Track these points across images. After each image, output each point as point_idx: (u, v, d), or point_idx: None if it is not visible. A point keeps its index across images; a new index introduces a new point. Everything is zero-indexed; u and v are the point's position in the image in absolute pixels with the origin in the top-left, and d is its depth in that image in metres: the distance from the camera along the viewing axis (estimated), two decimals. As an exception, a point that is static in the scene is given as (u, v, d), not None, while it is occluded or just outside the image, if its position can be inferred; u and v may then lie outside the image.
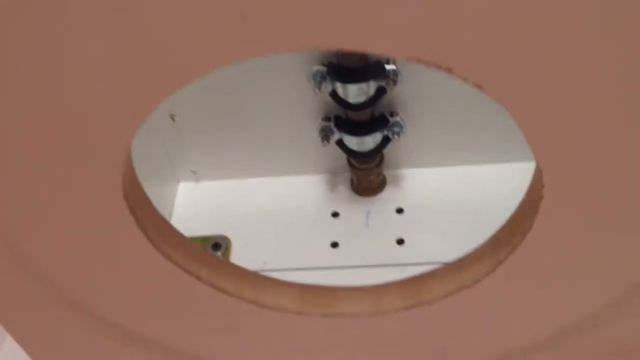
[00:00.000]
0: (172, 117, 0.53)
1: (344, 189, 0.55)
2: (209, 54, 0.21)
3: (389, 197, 0.53)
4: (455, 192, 0.52)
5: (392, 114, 0.49)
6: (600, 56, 0.20)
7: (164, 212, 0.55)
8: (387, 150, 0.51)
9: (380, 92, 0.46)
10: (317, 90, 0.46)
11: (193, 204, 0.57)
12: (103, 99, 0.23)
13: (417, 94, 0.49)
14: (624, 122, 0.22)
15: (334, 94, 0.46)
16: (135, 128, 0.25)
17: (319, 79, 0.46)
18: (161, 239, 0.30)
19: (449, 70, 0.21)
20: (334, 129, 0.49)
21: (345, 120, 0.49)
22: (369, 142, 0.49)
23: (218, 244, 0.53)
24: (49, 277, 0.31)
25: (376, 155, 0.51)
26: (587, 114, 0.22)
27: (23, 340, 0.35)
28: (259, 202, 0.55)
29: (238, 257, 0.52)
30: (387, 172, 0.54)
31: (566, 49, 0.20)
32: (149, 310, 0.33)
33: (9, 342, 0.43)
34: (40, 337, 0.36)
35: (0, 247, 0.29)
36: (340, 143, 0.50)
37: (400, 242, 0.51)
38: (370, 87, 0.45)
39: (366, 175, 0.53)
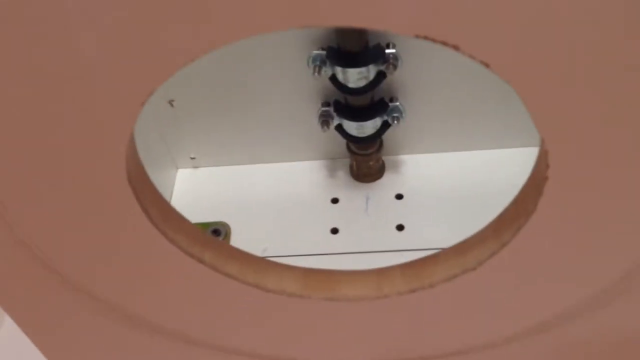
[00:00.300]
0: (170, 102, 0.52)
1: (343, 175, 0.55)
2: (206, 33, 0.21)
3: (388, 183, 0.53)
4: (454, 178, 0.52)
5: (391, 99, 0.49)
6: (610, 33, 0.20)
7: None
8: (387, 136, 0.51)
9: (380, 76, 0.46)
10: (316, 74, 0.46)
11: (192, 191, 0.56)
12: (103, 83, 0.23)
13: (417, 79, 0.49)
14: (633, 102, 0.22)
15: (333, 79, 0.46)
16: (137, 111, 0.24)
17: (318, 64, 0.45)
18: (164, 223, 0.30)
19: (455, 47, 0.21)
20: (334, 114, 0.49)
21: (344, 105, 0.49)
22: (369, 127, 0.49)
23: (217, 231, 0.53)
24: (51, 260, 0.31)
25: (376, 140, 0.50)
26: (595, 93, 0.22)
27: (23, 323, 0.35)
28: (258, 189, 0.55)
29: (238, 243, 0.51)
30: (386, 158, 0.54)
31: (576, 26, 0.20)
32: (152, 293, 0.33)
33: (8, 323, 0.43)
34: (40, 320, 0.35)
35: (2, 229, 0.29)
36: (339, 128, 0.50)
37: (400, 228, 0.50)
38: (370, 72, 0.45)
39: (366, 161, 0.53)
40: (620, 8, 0.19)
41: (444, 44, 0.21)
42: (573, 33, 0.20)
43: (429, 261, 0.32)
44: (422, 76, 0.48)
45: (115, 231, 0.30)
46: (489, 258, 0.29)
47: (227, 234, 0.53)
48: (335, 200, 0.53)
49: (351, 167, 0.54)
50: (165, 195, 0.56)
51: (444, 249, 0.32)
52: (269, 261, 0.34)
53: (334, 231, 0.51)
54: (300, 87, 0.50)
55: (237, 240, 0.52)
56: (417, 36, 0.20)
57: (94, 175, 0.27)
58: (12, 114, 0.24)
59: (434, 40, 0.20)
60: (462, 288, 0.31)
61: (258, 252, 0.50)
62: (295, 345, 0.35)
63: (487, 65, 0.21)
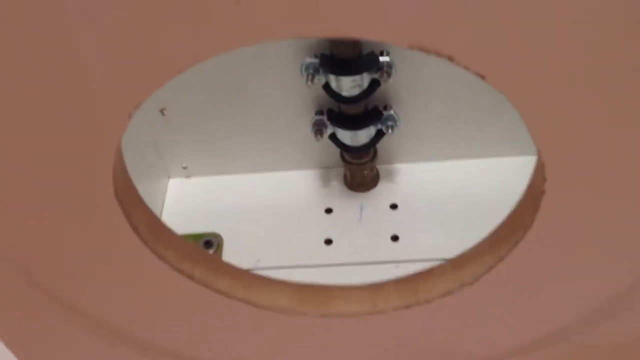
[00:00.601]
0: (162, 111, 0.52)
1: (337, 184, 0.54)
2: (201, 41, 0.20)
3: (383, 193, 0.53)
4: (450, 186, 0.51)
5: (385, 108, 0.48)
6: (609, 43, 0.19)
7: (154, 209, 0.54)
8: (381, 145, 0.50)
9: (374, 84, 0.45)
10: (309, 83, 0.45)
11: (184, 200, 0.56)
12: (90, 93, 0.22)
13: (412, 86, 0.48)
14: (631, 115, 0.21)
15: (326, 87, 0.45)
16: (125, 122, 0.24)
17: (311, 72, 0.45)
18: (153, 238, 0.29)
19: (450, 58, 0.20)
20: (327, 123, 0.48)
21: (338, 113, 0.48)
22: (363, 136, 0.48)
23: (210, 242, 0.52)
24: (38, 276, 0.30)
25: (370, 149, 0.50)
26: (594, 106, 0.21)
27: (9, 340, 0.34)
28: (251, 198, 0.54)
29: (230, 254, 0.51)
30: (380, 167, 0.54)
31: (573, 36, 0.19)
32: (140, 309, 0.32)
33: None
34: (28, 337, 0.35)
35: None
36: (333, 137, 0.49)
37: (395, 238, 0.50)
38: (364, 80, 0.44)
39: (360, 170, 0.52)
40: (620, 21, 0.19)
41: (438, 54, 0.20)
42: (572, 45, 0.19)
43: (424, 276, 0.31)
44: (416, 84, 0.48)
45: (103, 247, 0.29)
46: (485, 273, 0.28)
47: (220, 245, 0.52)
48: (329, 210, 0.52)
49: (345, 176, 0.54)
50: (157, 205, 0.55)
51: (439, 264, 0.31)
52: (261, 276, 0.33)
53: (328, 242, 0.50)
54: (293, 95, 0.49)
55: (230, 251, 0.51)
56: (410, 47, 0.19)
57: (79, 189, 0.26)
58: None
59: (427, 51, 0.19)
60: (458, 303, 0.30)
61: (251, 263, 0.50)
62: (287, 362, 0.34)
63: (482, 77, 0.20)
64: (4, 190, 0.26)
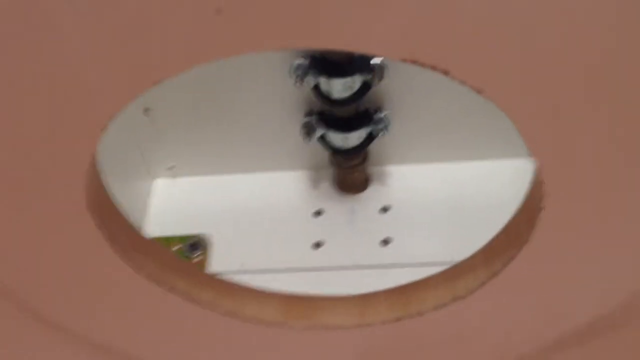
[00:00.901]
0: (145, 111, 0.50)
1: (327, 186, 0.53)
2: (179, 53, 0.19)
3: (374, 195, 0.52)
4: (443, 189, 0.50)
5: (377, 110, 0.47)
6: (613, 57, 0.18)
7: (139, 210, 0.53)
8: (372, 146, 0.49)
9: (365, 86, 0.44)
10: (298, 84, 0.44)
11: (170, 201, 0.54)
12: (65, 100, 0.21)
13: (403, 88, 0.47)
14: (633, 130, 0.20)
15: (316, 89, 0.44)
16: (100, 133, 0.22)
17: (300, 73, 0.43)
18: (132, 250, 0.28)
19: (445, 72, 0.19)
20: (317, 125, 0.47)
21: (328, 116, 0.47)
22: (353, 138, 0.47)
23: (196, 245, 0.51)
24: (12, 290, 0.29)
25: (360, 152, 0.49)
26: (597, 122, 0.20)
27: None
28: (239, 200, 0.53)
29: (217, 257, 0.50)
30: (371, 169, 0.52)
31: (577, 51, 0.18)
32: (121, 323, 0.31)
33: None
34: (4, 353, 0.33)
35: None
36: (323, 139, 0.48)
37: (385, 242, 0.49)
38: (355, 82, 0.43)
39: (350, 173, 0.51)
40: (621, 37, 0.17)
41: (433, 68, 0.19)
42: (576, 59, 0.18)
43: (415, 287, 0.30)
44: (409, 86, 0.47)
45: (78, 260, 0.27)
46: (479, 287, 0.27)
47: (206, 248, 0.50)
48: (318, 213, 0.51)
49: (335, 178, 0.53)
50: (142, 207, 0.53)
51: (431, 274, 0.30)
52: (246, 287, 0.32)
53: (317, 245, 0.49)
54: (282, 96, 0.48)
55: (217, 254, 0.50)
56: (404, 60, 0.18)
57: (51, 199, 0.25)
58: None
59: (422, 65, 0.18)
60: (450, 316, 0.29)
61: (237, 266, 0.49)
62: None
63: (479, 92, 0.19)
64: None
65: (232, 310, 0.30)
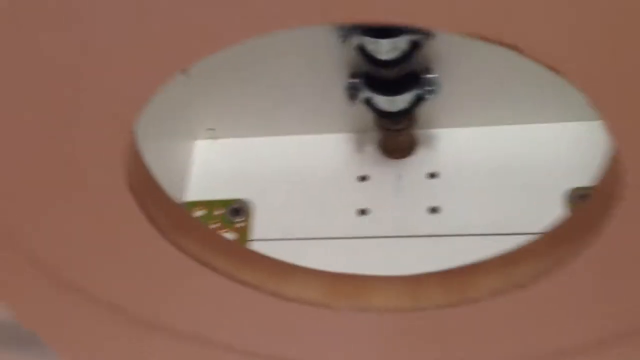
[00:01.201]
0: (184, 71, 0.48)
1: (372, 150, 0.51)
2: (212, 33, 0.17)
3: (421, 160, 0.49)
4: (496, 155, 0.48)
5: (426, 71, 0.44)
6: None
7: (180, 173, 0.52)
8: (420, 109, 0.46)
9: (414, 47, 0.41)
10: (343, 44, 0.41)
11: (211, 164, 0.53)
12: (98, 86, 0.20)
13: (454, 48, 0.44)
14: None
15: (361, 50, 0.42)
16: (135, 115, 0.21)
17: (345, 33, 0.41)
18: (174, 229, 0.27)
19: (516, 48, 0.16)
20: (362, 87, 0.45)
21: (374, 78, 0.44)
22: (400, 101, 0.44)
23: (237, 210, 0.49)
24: (59, 271, 0.28)
25: (407, 115, 0.46)
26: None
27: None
28: (282, 163, 0.51)
29: (259, 223, 0.49)
30: (419, 133, 0.50)
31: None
32: (165, 300, 0.30)
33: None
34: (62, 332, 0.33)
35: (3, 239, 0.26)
36: (367, 102, 0.45)
37: (434, 210, 0.47)
38: (403, 42, 0.40)
39: (396, 136, 0.49)
40: None
41: (501, 44, 0.16)
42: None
43: (472, 271, 0.28)
44: (460, 44, 0.44)
45: (120, 239, 0.26)
46: (541, 276, 0.25)
47: (248, 213, 0.49)
48: (363, 178, 0.49)
49: (380, 141, 0.50)
50: (183, 169, 0.52)
51: (488, 259, 0.28)
52: (290, 265, 0.30)
53: (362, 212, 0.48)
54: (326, 56, 0.46)
55: (259, 219, 0.49)
56: (467, 35, 0.16)
57: (90, 181, 0.24)
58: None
59: (487, 40, 0.16)
60: (509, 304, 0.27)
61: (279, 233, 0.47)
62: (317, 357, 0.32)
63: (557, 72, 0.17)
64: (13, 184, 0.24)
65: (275, 290, 0.29)
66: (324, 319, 0.30)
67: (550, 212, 0.44)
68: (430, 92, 0.44)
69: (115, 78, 0.19)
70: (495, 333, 0.29)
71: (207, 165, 0.53)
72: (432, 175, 0.48)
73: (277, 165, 0.51)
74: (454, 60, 0.45)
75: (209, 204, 0.50)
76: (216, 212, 0.50)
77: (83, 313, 0.31)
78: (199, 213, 0.50)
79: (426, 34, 0.40)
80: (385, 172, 0.49)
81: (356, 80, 0.45)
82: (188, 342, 0.33)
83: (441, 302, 0.28)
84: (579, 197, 0.44)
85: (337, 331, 0.30)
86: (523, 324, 0.28)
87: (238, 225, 0.49)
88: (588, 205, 0.24)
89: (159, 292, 0.30)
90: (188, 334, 0.32)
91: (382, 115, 0.46)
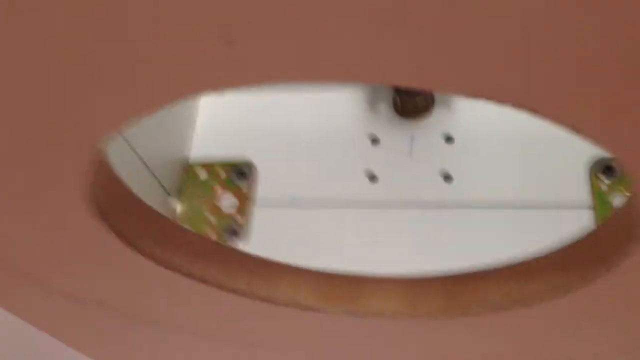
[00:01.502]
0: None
1: (385, 109, 0.48)
2: (179, 83, 0.15)
3: (437, 122, 0.46)
4: (516, 119, 0.44)
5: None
6: None
7: (185, 130, 0.49)
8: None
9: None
10: None
11: (216, 123, 0.50)
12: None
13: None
14: None
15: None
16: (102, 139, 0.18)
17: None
18: (159, 243, 0.25)
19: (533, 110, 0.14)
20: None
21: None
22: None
23: (243, 172, 0.47)
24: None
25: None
26: None
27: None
28: (288, 121, 0.49)
29: (263, 187, 0.47)
30: (436, 93, 0.47)
31: None
32: (146, 307, 0.29)
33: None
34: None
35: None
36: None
37: (448, 177, 0.44)
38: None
39: (411, 96, 0.45)
40: None
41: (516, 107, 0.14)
42: None
43: (475, 280, 0.26)
44: None
45: (100, 264, 0.25)
46: (550, 298, 0.23)
47: (252, 175, 0.47)
48: (375, 140, 0.47)
49: (394, 100, 0.47)
50: (186, 127, 0.50)
51: (496, 268, 0.26)
52: (282, 265, 0.28)
53: (372, 177, 0.45)
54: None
55: (263, 183, 0.47)
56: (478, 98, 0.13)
57: (60, 209, 0.22)
58: None
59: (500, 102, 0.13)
60: (514, 321, 0.25)
61: (284, 198, 0.45)
62: None
63: (578, 132, 0.14)
64: None
65: (266, 295, 0.27)
66: (315, 323, 0.28)
67: (571, 185, 0.41)
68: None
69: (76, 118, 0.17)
70: (495, 345, 0.27)
71: (212, 123, 0.51)
72: (448, 139, 0.45)
73: (284, 124, 0.49)
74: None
75: (213, 166, 0.48)
76: (222, 176, 0.48)
77: (71, 312, 0.30)
78: (202, 175, 0.48)
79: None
80: (398, 133, 0.46)
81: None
82: (176, 347, 0.32)
83: (440, 311, 0.26)
84: (602, 169, 0.41)
85: (328, 335, 0.29)
86: (524, 339, 0.26)
87: (243, 188, 0.47)
88: (612, 224, 0.21)
89: (143, 303, 0.28)
90: (176, 341, 0.31)
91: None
